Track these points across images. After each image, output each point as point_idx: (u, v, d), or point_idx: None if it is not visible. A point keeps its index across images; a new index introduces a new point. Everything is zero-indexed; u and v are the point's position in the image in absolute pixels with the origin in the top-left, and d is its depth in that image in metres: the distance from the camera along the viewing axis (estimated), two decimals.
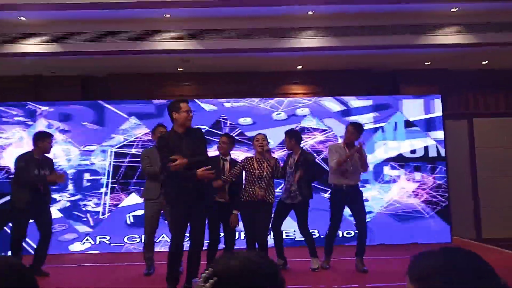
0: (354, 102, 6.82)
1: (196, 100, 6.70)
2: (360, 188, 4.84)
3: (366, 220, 4.80)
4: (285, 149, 5.05)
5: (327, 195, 5.83)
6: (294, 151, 4.73)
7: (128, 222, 6.34)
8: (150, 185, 4.61)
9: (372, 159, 6.53)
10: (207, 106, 6.71)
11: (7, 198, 6.36)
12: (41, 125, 6.55)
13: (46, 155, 4.93)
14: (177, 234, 3.68)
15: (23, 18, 5.71)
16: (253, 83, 7.27)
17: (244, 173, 4.48)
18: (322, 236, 6.13)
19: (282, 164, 4.70)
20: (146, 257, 4.64)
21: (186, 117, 3.67)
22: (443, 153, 6.69)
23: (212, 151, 5.36)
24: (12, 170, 6.40)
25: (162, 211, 4.61)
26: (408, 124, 6.72)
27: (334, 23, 5.96)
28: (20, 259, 4.44)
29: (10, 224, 4.94)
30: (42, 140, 4.80)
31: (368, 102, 6.81)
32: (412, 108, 6.76)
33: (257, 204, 4.32)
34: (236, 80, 7.27)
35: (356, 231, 4.93)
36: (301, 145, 4.85)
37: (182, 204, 3.67)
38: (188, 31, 5.96)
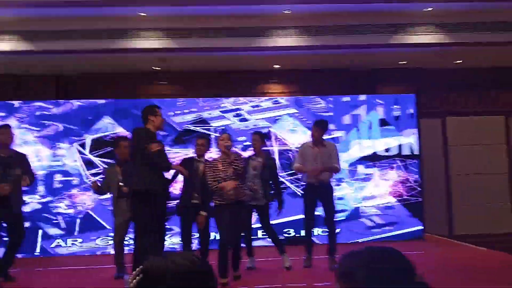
0: (332, 100, 6.87)
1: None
2: (332, 185, 4.89)
3: (336, 218, 4.87)
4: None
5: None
6: (258, 153, 4.77)
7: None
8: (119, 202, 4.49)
9: (347, 157, 6.61)
10: (183, 106, 6.67)
11: None
12: (12, 124, 6.42)
13: (18, 151, 4.62)
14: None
15: None
16: (231, 82, 7.27)
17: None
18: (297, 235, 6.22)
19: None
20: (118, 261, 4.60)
21: (162, 121, 3.98)
22: (416, 151, 6.80)
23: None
24: None
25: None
26: (383, 122, 6.81)
27: (310, 22, 6.00)
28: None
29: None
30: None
31: (344, 101, 6.86)
32: (387, 107, 6.84)
33: (232, 207, 4.16)
34: (213, 79, 7.26)
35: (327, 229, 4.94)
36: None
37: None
38: (164, 30, 5.93)
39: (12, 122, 6.42)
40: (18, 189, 4.37)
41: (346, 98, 6.87)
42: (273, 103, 6.82)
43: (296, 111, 6.79)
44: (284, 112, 6.76)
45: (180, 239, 4.62)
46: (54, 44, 5.85)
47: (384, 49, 6.41)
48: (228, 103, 6.73)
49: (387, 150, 6.76)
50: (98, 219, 6.27)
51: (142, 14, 5.72)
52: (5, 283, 4.31)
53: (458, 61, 7.22)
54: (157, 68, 7.08)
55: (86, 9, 5.53)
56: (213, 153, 5.64)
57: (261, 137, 4.84)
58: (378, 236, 6.52)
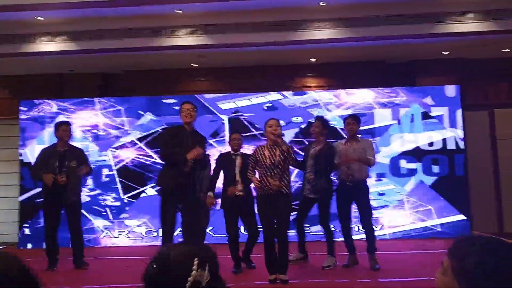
0: (368, 94, 6.71)
1: (203, 96, 6.76)
2: (367, 185, 4.65)
3: (372, 216, 4.63)
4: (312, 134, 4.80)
5: None
6: (318, 140, 4.59)
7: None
8: None
9: (388, 152, 6.43)
10: (223, 105, 6.72)
11: (31, 193, 6.62)
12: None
13: (75, 146, 5.03)
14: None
15: (40, 18, 5.87)
16: (268, 77, 7.26)
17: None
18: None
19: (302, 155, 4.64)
20: None
21: (182, 115, 4.19)
22: (462, 146, 6.51)
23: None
24: None
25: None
26: (426, 116, 6.57)
27: (347, 13, 5.87)
28: (54, 251, 4.70)
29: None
30: (57, 129, 4.87)
31: (384, 93, 6.68)
32: (430, 99, 6.60)
33: (273, 198, 3.97)
34: (251, 74, 7.27)
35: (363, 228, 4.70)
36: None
37: (174, 197, 4.03)
38: (200, 26, 6.00)
39: (59, 119, 6.74)
40: (74, 180, 4.74)
41: (387, 90, 6.69)
42: (307, 101, 6.71)
43: (335, 99, 6.66)
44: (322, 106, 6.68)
45: (226, 232, 4.61)
46: (97, 43, 6.06)
47: (425, 39, 6.18)
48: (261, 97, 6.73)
49: (430, 144, 6.52)
50: None
51: (179, 11, 5.81)
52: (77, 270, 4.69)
53: (505, 50, 6.85)
54: (195, 65, 7.19)
55: (127, 8, 5.68)
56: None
57: (322, 123, 4.61)
58: (423, 232, 6.28)
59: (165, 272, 0.92)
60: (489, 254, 0.88)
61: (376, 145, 4.83)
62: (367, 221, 4.52)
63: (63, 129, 4.86)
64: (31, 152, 6.73)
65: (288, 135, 6.25)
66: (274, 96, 6.74)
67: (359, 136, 4.76)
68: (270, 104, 6.70)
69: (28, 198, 6.62)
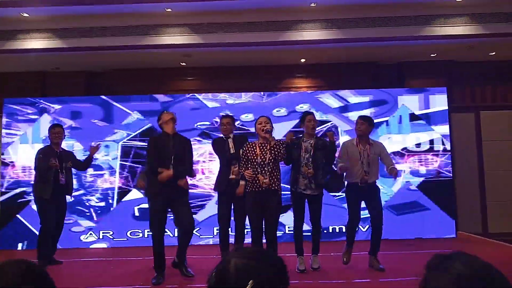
0: (357, 96, 6.74)
1: (197, 95, 6.70)
2: (378, 186, 4.50)
3: (382, 218, 4.45)
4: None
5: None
6: (309, 133, 4.40)
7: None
8: None
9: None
10: (209, 103, 6.68)
11: (12, 193, 6.46)
12: (44, 121, 6.60)
13: (65, 149, 5.23)
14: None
15: (25, 14, 5.74)
16: (256, 77, 7.24)
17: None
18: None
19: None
20: None
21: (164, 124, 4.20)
22: (448, 147, 6.60)
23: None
24: (17, 165, 6.52)
25: None
26: (413, 117, 6.64)
27: (337, 15, 5.89)
28: (50, 252, 4.70)
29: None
30: (50, 131, 5.02)
31: (370, 96, 6.72)
32: (418, 101, 6.67)
33: (263, 195, 3.98)
34: (239, 74, 7.24)
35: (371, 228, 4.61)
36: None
37: (161, 199, 4.03)
38: (190, 25, 5.94)
39: (44, 118, 6.60)
40: (71, 180, 5.10)
41: (376, 91, 6.73)
42: (294, 100, 6.74)
43: (318, 106, 6.69)
44: (305, 108, 6.68)
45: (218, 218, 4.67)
46: (83, 41, 5.95)
47: (413, 41, 6.24)
48: (250, 98, 6.71)
49: (418, 145, 6.59)
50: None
51: (169, 10, 5.75)
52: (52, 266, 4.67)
53: (491, 53, 6.96)
54: (184, 64, 7.12)
55: (115, 6, 5.60)
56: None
57: (313, 117, 4.45)
58: (408, 233, 6.34)
59: (220, 284, 0.88)
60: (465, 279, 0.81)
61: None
62: (379, 222, 4.38)
63: (56, 131, 4.98)
64: (14, 151, 6.58)
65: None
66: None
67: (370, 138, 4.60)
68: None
69: (8, 198, 6.47)
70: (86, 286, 4.07)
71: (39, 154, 4.92)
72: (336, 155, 4.58)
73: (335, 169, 4.59)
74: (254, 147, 4.09)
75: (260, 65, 7.16)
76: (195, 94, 6.79)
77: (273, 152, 4.02)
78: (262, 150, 4.04)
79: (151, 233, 4.19)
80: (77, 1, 5.43)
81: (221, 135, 4.77)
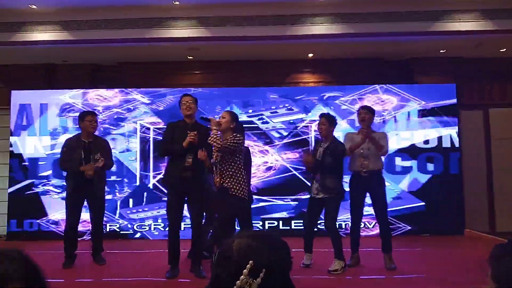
0: (365, 90, 6.69)
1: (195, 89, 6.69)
2: (383, 176, 4.46)
3: (387, 211, 4.43)
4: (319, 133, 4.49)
5: None
6: (326, 138, 4.35)
7: None
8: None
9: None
10: (216, 95, 6.66)
11: (20, 185, 6.49)
12: (52, 113, 6.62)
13: (99, 137, 4.83)
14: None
15: (34, 6, 5.74)
16: (263, 71, 7.20)
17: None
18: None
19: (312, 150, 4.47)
20: None
21: (183, 109, 4.13)
22: (457, 144, 6.53)
23: None
24: (25, 157, 6.55)
25: None
26: (422, 114, 6.58)
27: (346, 9, 5.83)
28: (73, 246, 4.53)
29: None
30: (82, 119, 4.59)
31: (380, 91, 6.67)
32: (426, 97, 6.60)
33: (218, 194, 3.87)
34: (246, 68, 7.21)
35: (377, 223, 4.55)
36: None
37: (177, 192, 4.01)
38: (197, 19, 5.91)
39: (52, 109, 6.62)
40: (99, 173, 4.54)
41: (383, 87, 6.68)
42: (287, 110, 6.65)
43: (327, 101, 6.65)
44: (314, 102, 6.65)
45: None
46: (91, 33, 5.93)
47: (423, 37, 6.16)
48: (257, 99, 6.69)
49: (426, 142, 6.53)
50: None
51: (176, 3, 5.72)
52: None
53: (502, 50, 6.87)
54: (191, 57, 7.10)
55: None
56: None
57: (328, 120, 4.37)
58: (416, 231, 6.30)
59: (222, 263, 0.87)
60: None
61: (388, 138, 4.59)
62: (383, 216, 4.33)
63: (88, 119, 4.57)
64: (22, 143, 6.60)
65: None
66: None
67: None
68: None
69: (17, 190, 6.50)
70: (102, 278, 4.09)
71: (63, 147, 4.60)
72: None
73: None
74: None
75: (268, 60, 7.12)
76: (199, 88, 6.75)
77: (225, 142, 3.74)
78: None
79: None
80: None
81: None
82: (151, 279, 3.99)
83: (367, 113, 4.45)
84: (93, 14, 5.86)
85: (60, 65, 7.19)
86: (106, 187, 4.92)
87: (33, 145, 6.57)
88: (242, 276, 0.83)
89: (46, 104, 6.66)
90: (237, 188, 3.75)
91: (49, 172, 6.49)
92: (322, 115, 4.47)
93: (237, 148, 3.77)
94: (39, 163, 6.54)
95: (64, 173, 4.82)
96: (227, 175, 3.76)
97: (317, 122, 4.52)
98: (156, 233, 6.37)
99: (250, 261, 0.84)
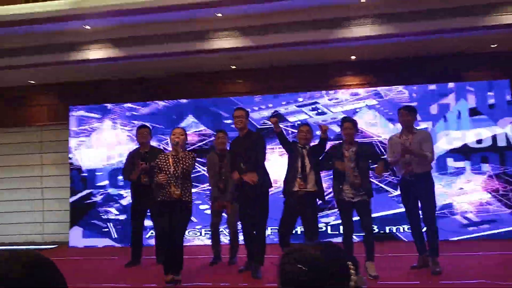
0: (415, 89, 6.52)
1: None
2: (432, 178, 4.35)
3: (435, 214, 4.35)
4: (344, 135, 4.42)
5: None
6: (352, 142, 4.33)
7: None
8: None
9: (434, 150, 6.21)
10: (260, 103, 6.76)
11: (80, 194, 6.91)
12: (107, 126, 7.00)
13: (156, 147, 5.35)
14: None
15: (87, 27, 6.11)
16: (306, 76, 7.21)
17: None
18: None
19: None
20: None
21: (235, 122, 4.46)
22: None
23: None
24: (84, 168, 6.97)
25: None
26: (473, 112, 6.31)
27: (388, 9, 5.73)
28: (139, 249, 4.98)
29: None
30: (137, 132, 5.15)
31: (429, 89, 6.48)
32: (478, 95, 6.33)
33: (173, 204, 4.08)
34: (289, 74, 7.25)
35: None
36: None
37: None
38: (239, 29, 6.03)
39: (107, 123, 7.00)
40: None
41: (431, 87, 6.48)
42: (351, 95, 6.66)
43: (375, 102, 6.55)
44: (363, 104, 6.57)
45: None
46: (138, 48, 6.22)
47: (472, 32, 5.92)
48: (304, 97, 6.71)
49: (479, 141, 6.26)
50: None
51: (219, 14, 5.88)
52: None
53: None
54: (233, 67, 7.24)
55: (167, 14, 5.81)
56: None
57: (353, 124, 4.37)
58: (474, 235, 6.04)
59: (319, 274, 0.86)
60: None
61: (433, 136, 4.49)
62: (430, 219, 4.24)
63: (140, 132, 5.12)
64: (80, 156, 7.03)
65: None
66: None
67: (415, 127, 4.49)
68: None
69: (78, 199, 6.93)
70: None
71: (126, 158, 5.17)
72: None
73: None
74: (167, 159, 4.15)
75: (309, 64, 7.12)
76: (243, 96, 6.88)
77: (181, 163, 4.09)
78: (175, 161, 4.12)
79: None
80: (133, 11, 5.70)
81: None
82: None
83: (407, 114, 4.36)
84: (140, 30, 6.14)
85: (112, 80, 7.59)
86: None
87: (90, 157, 6.98)
88: (353, 277, 0.87)
89: (101, 118, 7.05)
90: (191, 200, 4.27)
91: (106, 182, 6.86)
92: (346, 120, 4.44)
93: None
94: (96, 173, 6.93)
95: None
96: (188, 190, 4.15)
97: (341, 127, 4.46)
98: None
99: (349, 262, 0.89)
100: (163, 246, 4.25)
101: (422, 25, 5.70)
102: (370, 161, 4.34)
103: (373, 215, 4.72)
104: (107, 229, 6.76)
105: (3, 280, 0.79)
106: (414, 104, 6.15)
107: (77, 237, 6.83)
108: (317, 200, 4.36)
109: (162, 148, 5.75)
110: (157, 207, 4.18)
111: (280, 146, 4.63)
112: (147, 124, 5.87)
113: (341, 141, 4.48)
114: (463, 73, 6.83)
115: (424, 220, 4.30)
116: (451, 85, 6.46)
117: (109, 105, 7.14)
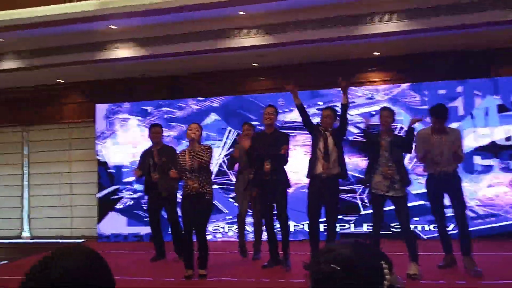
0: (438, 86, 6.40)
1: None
2: (459, 175, 4.30)
3: (466, 211, 4.26)
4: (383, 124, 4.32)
5: None
6: (388, 131, 4.29)
7: None
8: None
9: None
10: (283, 100, 6.76)
11: (107, 190, 7.09)
12: (133, 124, 7.15)
13: (168, 145, 5.48)
14: None
15: (113, 27, 6.25)
16: (329, 72, 7.15)
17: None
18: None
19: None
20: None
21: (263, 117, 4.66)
22: None
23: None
24: (110, 165, 7.16)
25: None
26: (502, 108, 6.14)
27: (413, 4, 5.62)
28: (159, 243, 5.20)
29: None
30: (149, 131, 5.34)
31: (453, 86, 6.34)
32: (506, 90, 6.16)
33: (193, 198, 4.24)
34: (313, 71, 7.21)
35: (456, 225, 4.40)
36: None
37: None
38: (263, 26, 6.04)
39: (133, 121, 7.16)
40: (164, 175, 4.91)
41: (454, 84, 6.34)
42: (367, 99, 6.55)
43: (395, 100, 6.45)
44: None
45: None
46: (165, 47, 6.33)
47: (502, 26, 5.75)
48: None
49: (508, 138, 6.09)
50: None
51: (242, 12, 5.91)
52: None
53: None
54: (256, 64, 7.27)
55: (191, 13, 5.88)
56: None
57: (392, 113, 4.29)
58: (500, 234, 5.91)
59: (353, 274, 0.85)
60: None
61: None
62: (461, 216, 4.15)
63: (153, 131, 5.28)
64: (107, 152, 7.21)
65: None
66: None
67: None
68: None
69: (105, 195, 7.12)
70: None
71: (140, 156, 5.36)
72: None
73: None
74: (184, 154, 4.36)
75: (332, 60, 7.06)
76: (267, 94, 6.89)
77: (197, 157, 4.24)
78: (191, 156, 4.29)
79: None
80: (159, 11, 5.79)
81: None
82: None
83: (437, 119, 4.24)
84: (165, 29, 6.24)
85: (139, 79, 7.74)
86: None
87: (116, 153, 7.15)
88: (387, 276, 0.86)
89: (127, 116, 7.21)
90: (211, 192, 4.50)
91: (132, 178, 7.01)
92: (385, 108, 4.41)
93: None
94: (123, 170, 7.10)
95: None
96: (207, 182, 4.34)
97: (379, 115, 4.40)
98: None
99: (382, 261, 0.88)
100: (183, 240, 4.43)
101: (450, 20, 5.56)
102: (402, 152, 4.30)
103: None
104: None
105: (69, 272, 0.86)
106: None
107: (121, 225, 6.99)
108: (340, 181, 4.48)
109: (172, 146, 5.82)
110: (178, 202, 4.45)
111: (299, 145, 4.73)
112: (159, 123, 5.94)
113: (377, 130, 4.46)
114: (492, 68, 6.63)
115: (457, 217, 4.21)
116: (478, 81, 6.29)
117: (135, 103, 7.29)
